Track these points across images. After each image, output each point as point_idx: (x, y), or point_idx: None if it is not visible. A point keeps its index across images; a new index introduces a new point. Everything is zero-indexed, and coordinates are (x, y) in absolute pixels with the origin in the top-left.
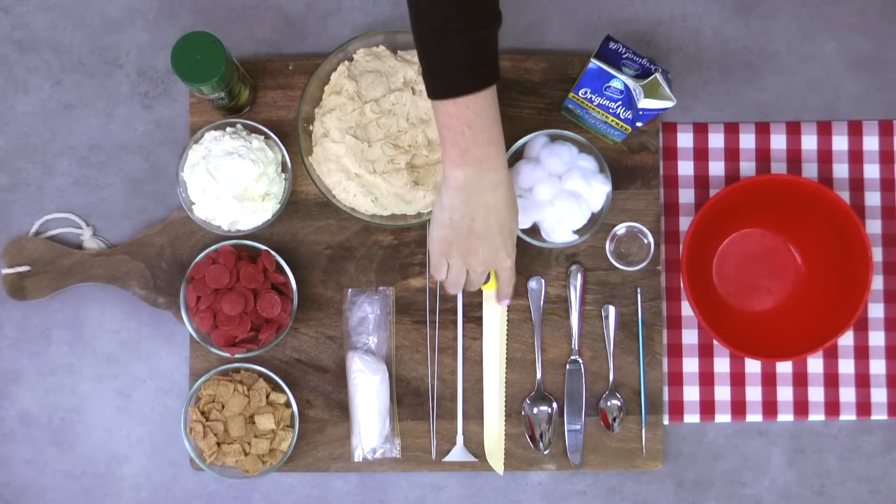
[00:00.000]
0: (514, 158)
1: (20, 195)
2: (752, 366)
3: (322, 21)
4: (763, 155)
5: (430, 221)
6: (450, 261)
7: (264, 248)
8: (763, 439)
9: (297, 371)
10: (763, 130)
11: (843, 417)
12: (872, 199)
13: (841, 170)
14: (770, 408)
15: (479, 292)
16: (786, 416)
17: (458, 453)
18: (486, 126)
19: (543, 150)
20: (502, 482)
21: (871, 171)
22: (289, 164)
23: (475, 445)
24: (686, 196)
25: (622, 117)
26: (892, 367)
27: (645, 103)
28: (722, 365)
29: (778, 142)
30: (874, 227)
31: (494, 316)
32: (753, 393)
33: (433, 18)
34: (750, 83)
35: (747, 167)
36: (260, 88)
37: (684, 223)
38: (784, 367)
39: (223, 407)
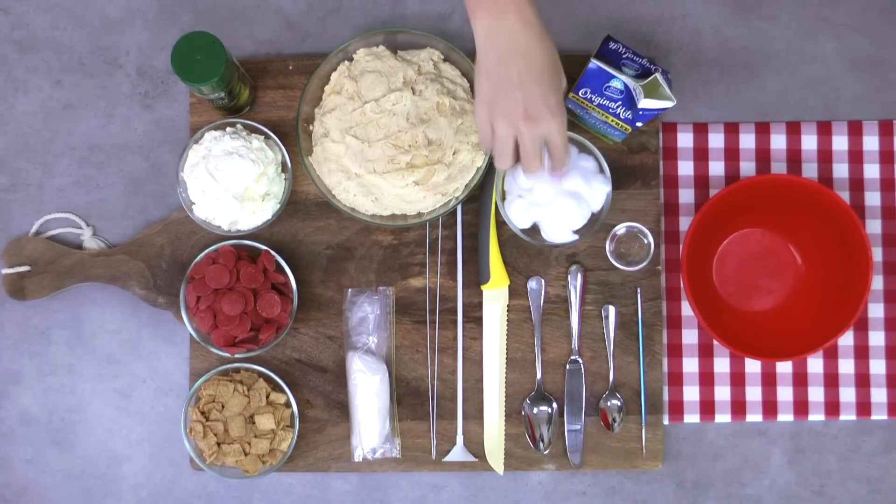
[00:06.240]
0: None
1: (20, 195)
2: (752, 366)
3: (322, 21)
4: (763, 155)
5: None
6: (494, 126)
7: (264, 248)
8: (763, 439)
9: (297, 371)
10: (763, 130)
11: (843, 417)
12: (872, 199)
13: (841, 170)
14: (770, 408)
15: (479, 292)
16: (786, 416)
17: (458, 453)
18: None
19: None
20: (502, 482)
21: (871, 171)
22: (289, 164)
23: (475, 445)
24: (686, 196)
25: (622, 117)
26: (892, 367)
27: (645, 103)
28: (722, 365)
29: (778, 142)
30: (874, 227)
31: (494, 316)
32: (753, 393)
33: None
34: (750, 83)
35: (747, 167)
36: (260, 88)
37: (684, 223)
38: (784, 367)
39: (223, 407)
